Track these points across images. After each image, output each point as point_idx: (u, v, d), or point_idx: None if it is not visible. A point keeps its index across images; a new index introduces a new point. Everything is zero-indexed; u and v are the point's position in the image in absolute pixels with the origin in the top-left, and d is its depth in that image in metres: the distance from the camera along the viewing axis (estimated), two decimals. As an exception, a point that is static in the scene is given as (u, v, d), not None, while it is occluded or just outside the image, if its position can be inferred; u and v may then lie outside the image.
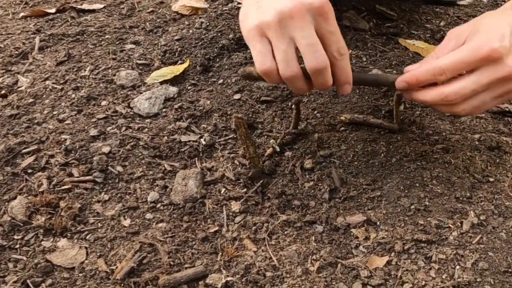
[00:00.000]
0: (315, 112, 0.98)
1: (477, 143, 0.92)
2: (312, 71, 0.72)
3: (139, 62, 1.16)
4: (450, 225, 0.78)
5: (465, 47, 0.72)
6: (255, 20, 0.72)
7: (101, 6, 1.49)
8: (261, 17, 0.71)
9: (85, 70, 1.15)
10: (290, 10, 0.69)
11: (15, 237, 0.78)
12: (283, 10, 0.70)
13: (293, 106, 0.92)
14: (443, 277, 0.71)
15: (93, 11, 1.47)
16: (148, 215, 0.80)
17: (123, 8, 1.46)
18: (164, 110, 1.00)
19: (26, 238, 0.78)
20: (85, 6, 1.49)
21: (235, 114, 0.90)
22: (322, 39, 0.71)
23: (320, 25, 0.71)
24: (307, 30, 0.70)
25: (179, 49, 1.18)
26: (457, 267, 0.72)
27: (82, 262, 0.74)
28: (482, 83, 0.71)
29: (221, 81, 1.07)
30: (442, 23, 1.35)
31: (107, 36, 1.30)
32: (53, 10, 1.50)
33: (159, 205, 0.82)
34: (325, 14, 0.71)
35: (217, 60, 1.14)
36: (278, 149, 0.89)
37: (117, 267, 0.72)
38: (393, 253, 0.74)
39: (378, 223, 0.78)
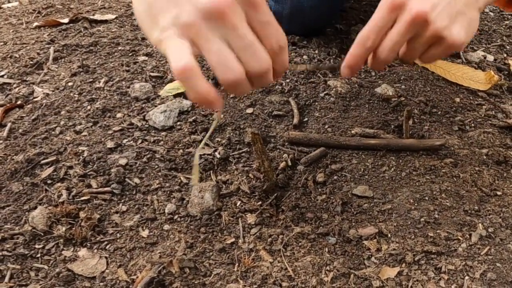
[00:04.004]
0: (326, 126, 1.00)
1: (485, 157, 0.94)
2: (255, 75, 0.62)
3: (152, 74, 1.18)
4: (459, 237, 0.80)
5: (377, 8, 0.73)
6: (169, 19, 0.60)
7: (113, 16, 1.51)
8: (178, 16, 0.60)
9: (99, 82, 1.17)
10: (216, 7, 0.58)
11: (36, 246, 0.80)
12: (207, 7, 0.58)
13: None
14: (453, 287, 0.73)
15: (105, 21, 1.50)
16: (166, 226, 0.82)
17: (134, 19, 1.49)
18: (178, 123, 1.02)
19: (47, 247, 0.80)
20: (97, 16, 1.51)
21: (251, 130, 0.92)
22: (258, 33, 0.61)
23: (253, 17, 0.60)
24: (240, 28, 0.59)
25: (191, 61, 1.21)
26: (466, 277, 0.74)
27: (103, 272, 0.76)
28: (400, 31, 0.71)
29: (233, 94, 1.09)
30: (448, 37, 1.37)
31: (120, 48, 1.32)
32: (66, 20, 1.53)
33: (176, 216, 0.84)
34: (256, 3, 0.60)
35: (229, 73, 1.16)
36: (290, 163, 0.92)
37: (137, 277, 0.74)
38: (404, 264, 0.76)
39: (389, 235, 0.81)
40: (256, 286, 0.73)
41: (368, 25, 0.73)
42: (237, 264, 0.76)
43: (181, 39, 0.59)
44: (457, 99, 1.12)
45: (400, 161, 0.92)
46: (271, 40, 0.62)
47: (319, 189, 0.88)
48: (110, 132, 1.01)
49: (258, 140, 0.82)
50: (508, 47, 1.39)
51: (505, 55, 1.36)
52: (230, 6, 0.58)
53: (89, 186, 0.89)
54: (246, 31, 0.60)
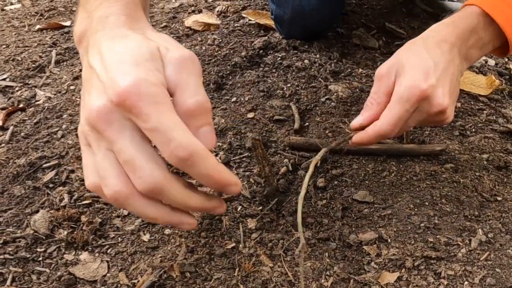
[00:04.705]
0: (327, 131, 1.00)
1: (485, 162, 0.95)
2: (144, 192, 0.54)
3: (154, 78, 1.18)
4: (459, 243, 0.80)
5: (398, 98, 0.74)
6: (81, 120, 0.57)
7: (115, 20, 1.52)
8: (81, 120, 0.57)
9: (101, 85, 1.17)
10: (94, 117, 0.53)
11: (38, 249, 0.81)
12: (90, 116, 0.53)
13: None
14: (452, 293, 0.73)
15: (107, 25, 1.50)
16: (167, 231, 0.83)
17: (136, 22, 1.49)
18: (180, 126, 1.03)
19: (48, 251, 0.80)
20: (99, 20, 1.52)
21: (252, 135, 0.93)
22: (152, 142, 0.53)
23: (138, 125, 0.52)
24: (117, 142, 0.53)
25: (193, 65, 1.21)
26: (466, 282, 0.74)
27: (104, 275, 0.77)
28: (419, 121, 0.77)
29: (234, 99, 1.10)
30: (449, 42, 1.37)
31: (122, 51, 1.32)
32: (68, 23, 1.54)
33: (177, 220, 0.84)
34: (133, 109, 0.51)
35: (230, 77, 1.17)
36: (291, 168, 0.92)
37: (138, 281, 0.75)
38: (403, 269, 0.77)
39: (389, 240, 0.81)
40: (256, 291, 0.73)
41: (392, 118, 0.73)
42: (237, 269, 0.76)
43: (86, 147, 0.57)
44: (458, 104, 1.12)
45: (401, 166, 0.93)
46: (165, 151, 0.52)
47: (320, 194, 0.89)
48: (111, 136, 1.01)
49: (259, 145, 0.82)
50: (509, 51, 1.40)
51: (506, 59, 1.36)
52: (103, 119, 0.52)
53: (91, 190, 0.90)
54: (124, 145, 0.52)
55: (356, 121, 0.78)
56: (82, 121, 0.56)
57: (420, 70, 0.74)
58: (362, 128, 0.77)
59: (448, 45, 0.78)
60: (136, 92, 0.51)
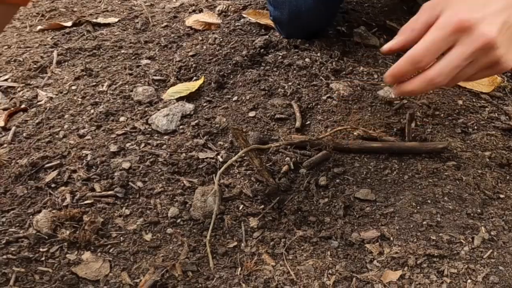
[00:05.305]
0: (328, 129, 1.00)
1: (488, 160, 0.95)
2: None
3: (155, 78, 1.19)
4: (462, 241, 0.80)
5: (435, 25, 0.67)
6: None
7: (116, 20, 1.52)
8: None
9: (102, 85, 1.18)
10: None
11: (41, 249, 0.81)
12: None
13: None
14: (455, 291, 0.73)
15: (108, 25, 1.50)
16: (169, 230, 0.83)
17: (137, 22, 1.49)
18: (181, 127, 1.03)
19: (51, 251, 0.81)
20: (100, 20, 1.52)
21: (232, 126, 0.92)
22: None
23: None
24: None
25: (193, 65, 1.21)
26: (469, 281, 0.74)
27: (107, 275, 0.77)
28: (463, 57, 0.67)
29: (235, 98, 1.10)
30: (451, 39, 1.37)
31: (123, 51, 1.33)
32: (69, 24, 1.53)
33: (179, 220, 0.84)
34: None
35: (231, 76, 1.17)
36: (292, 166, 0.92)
37: (140, 280, 0.75)
38: (406, 268, 0.77)
39: (391, 238, 0.81)
40: (258, 289, 0.73)
41: (425, 43, 0.67)
42: (239, 268, 0.76)
43: None
44: (460, 102, 1.12)
45: (403, 164, 0.93)
46: None
47: (322, 193, 0.88)
48: (113, 136, 1.01)
49: (240, 135, 0.81)
50: (511, 48, 1.39)
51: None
52: None
53: (93, 189, 0.90)
54: None
55: (387, 45, 0.73)
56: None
57: (467, 5, 0.67)
58: (391, 51, 0.72)
59: None
60: None
